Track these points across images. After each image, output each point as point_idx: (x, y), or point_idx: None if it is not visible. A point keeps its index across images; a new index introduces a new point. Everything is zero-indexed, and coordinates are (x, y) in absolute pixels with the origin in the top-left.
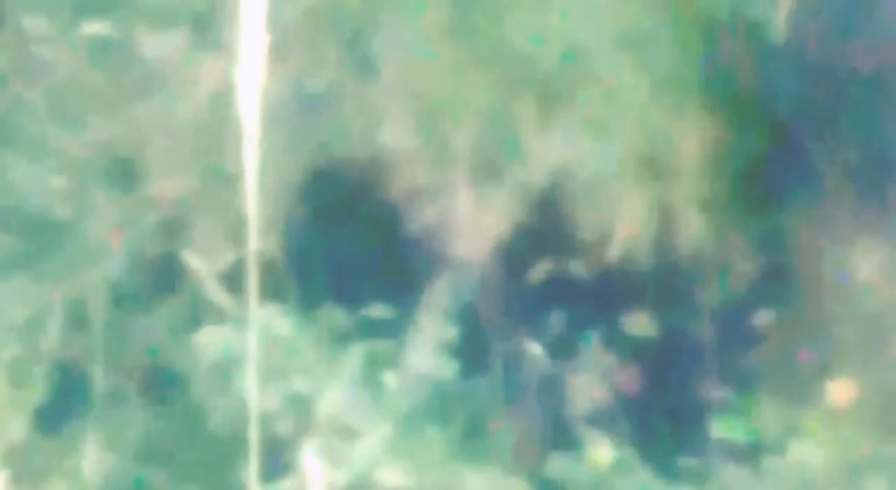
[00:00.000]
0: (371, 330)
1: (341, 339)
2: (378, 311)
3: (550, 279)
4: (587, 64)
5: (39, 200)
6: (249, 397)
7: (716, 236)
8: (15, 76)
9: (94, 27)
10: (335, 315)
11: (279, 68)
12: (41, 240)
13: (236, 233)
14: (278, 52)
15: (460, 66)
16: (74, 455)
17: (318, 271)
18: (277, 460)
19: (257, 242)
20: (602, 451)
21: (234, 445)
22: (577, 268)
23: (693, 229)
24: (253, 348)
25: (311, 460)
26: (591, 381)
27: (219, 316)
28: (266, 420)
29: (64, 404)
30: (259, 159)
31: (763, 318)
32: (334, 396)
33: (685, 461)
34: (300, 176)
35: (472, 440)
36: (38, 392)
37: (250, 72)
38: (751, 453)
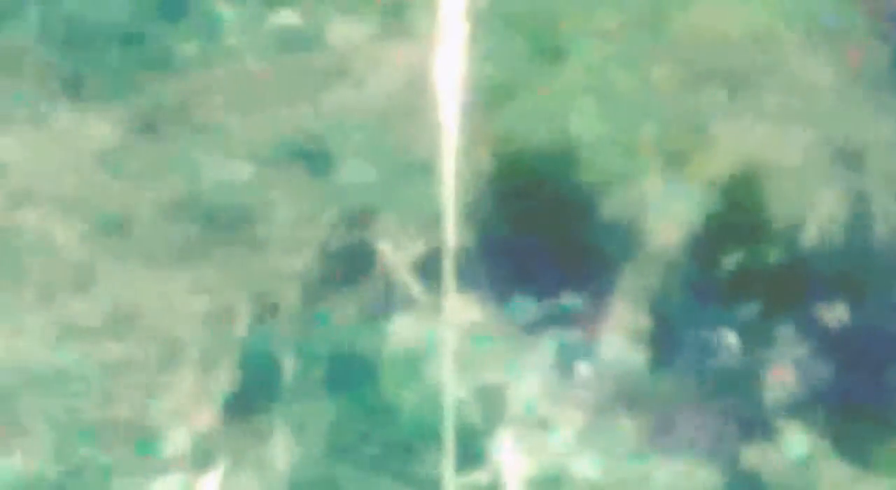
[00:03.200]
0: (562, 320)
1: (533, 328)
2: (569, 300)
3: (742, 268)
4: (776, 51)
5: (228, 189)
6: (442, 388)
7: None
8: (204, 65)
9: (284, 16)
10: (526, 305)
11: (471, 56)
12: (230, 229)
13: (427, 222)
14: (470, 39)
15: (648, 53)
16: (264, 445)
17: (509, 260)
18: (470, 452)
19: (450, 232)
20: (797, 442)
21: (425, 436)
22: (770, 256)
23: (889, 216)
24: (446, 338)
25: (506, 452)
26: (786, 371)
27: (409, 306)
28: (458, 411)
29: (253, 394)
30: (453, 147)
31: None
32: (526, 387)
33: (882, 453)
34: (490, 164)
35: (664, 431)
36: (227, 382)
37: (448, 59)
38: None
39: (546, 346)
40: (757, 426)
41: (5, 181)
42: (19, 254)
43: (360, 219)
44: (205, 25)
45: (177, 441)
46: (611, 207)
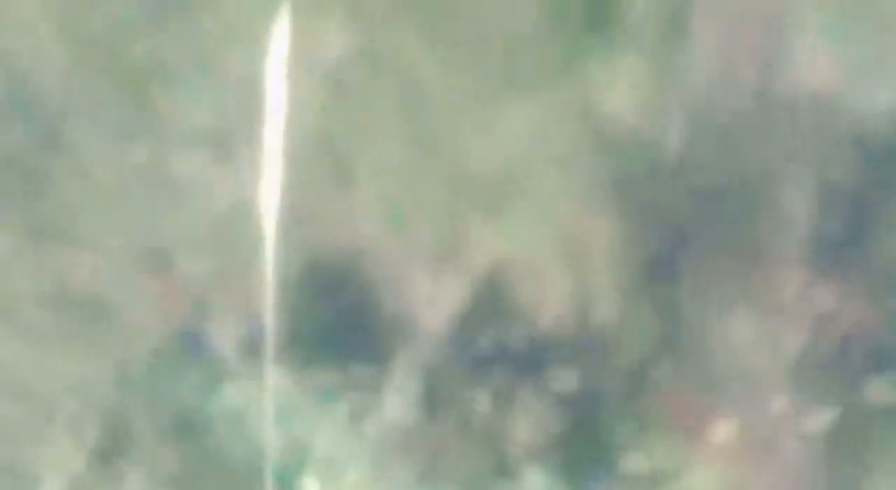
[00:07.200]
0: (355, 386)
1: (331, 393)
2: (361, 371)
3: (494, 344)
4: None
5: (84, 286)
6: (263, 441)
7: (626, 309)
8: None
9: (134, 151)
10: (327, 374)
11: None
12: (85, 319)
13: (250, 310)
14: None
15: (419, 171)
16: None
17: (313, 340)
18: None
19: (269, 318)
20: (535, 481)
21: (249, 478)
22: (516, 335)
23: (609, 305)
24: (266, 402)
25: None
26: (527, 424)
27: (235, 375)
28: (273, 460)
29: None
30: (272, 256)
31: (661, 371)
32: (326, 440)
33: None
34: (302, 268)
35: (433, 471)
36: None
37: (269, 187)
38: (652, 482)
39: (342, 407)
40: (504, 465)
41: None
42: None
43: (197, 306)
44: None
45: None
46: (393, 297)
